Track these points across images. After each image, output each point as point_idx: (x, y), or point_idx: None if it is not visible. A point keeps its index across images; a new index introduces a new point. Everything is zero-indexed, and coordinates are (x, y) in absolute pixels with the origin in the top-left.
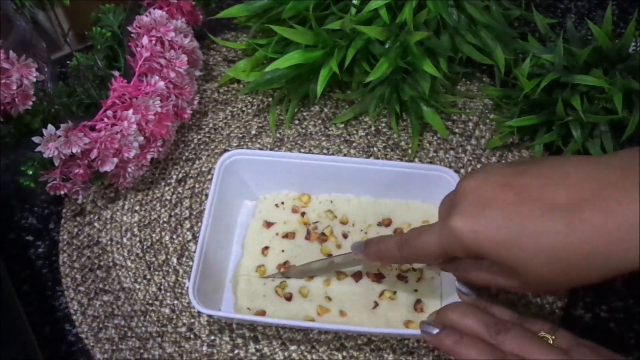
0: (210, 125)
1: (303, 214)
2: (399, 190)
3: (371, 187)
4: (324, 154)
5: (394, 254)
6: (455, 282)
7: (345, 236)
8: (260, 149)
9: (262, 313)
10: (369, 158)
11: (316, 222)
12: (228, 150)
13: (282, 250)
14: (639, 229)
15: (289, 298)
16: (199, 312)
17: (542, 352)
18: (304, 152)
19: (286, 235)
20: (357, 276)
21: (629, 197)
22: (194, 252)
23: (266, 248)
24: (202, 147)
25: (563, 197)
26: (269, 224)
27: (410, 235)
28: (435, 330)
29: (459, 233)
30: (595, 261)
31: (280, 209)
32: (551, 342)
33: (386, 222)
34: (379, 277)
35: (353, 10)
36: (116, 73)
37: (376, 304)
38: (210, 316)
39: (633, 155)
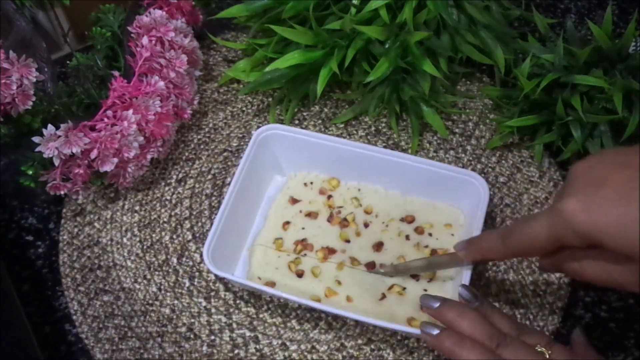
0: (210, 125)
1: (329, 196)
2: (427, 190)
3: (400, 182)
4: None
5: (497, 246)
6: (459, 288)
7: (366, 225)
8: None
9: (272, 284)
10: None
11: (340, 207)
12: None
13: (303, 228)
14: None
15: (300, 275)
16: (198, 312)
17: None
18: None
19: (309, 214)
20: (370, 266)
21: None
22: (194, 251)
23: (287, 223)
24: (202, 147)
25: None
26: (294, 201)
27: (515, 224)
28: (436, 331)
29: (571, 215)
30: None
31: (308, 188)
32: (547, 356)
33: (409, 219)
34: None
35: (353, 10)
36: (116, 73)
37: (384, 296)
38: (221, 278)
39: None
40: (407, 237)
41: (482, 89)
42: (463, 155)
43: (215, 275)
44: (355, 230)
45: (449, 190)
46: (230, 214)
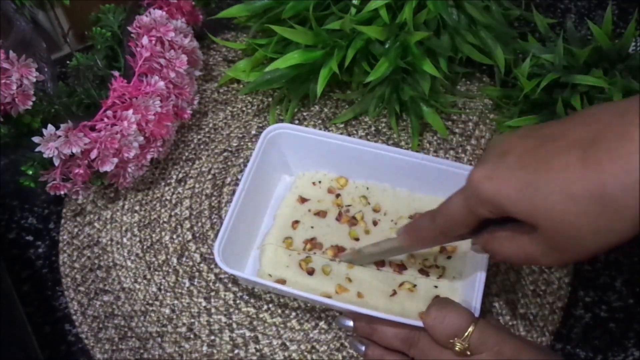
0: (210, 125)
1: (338, 195)
2: (434, 187)
3: (408, 180)
4: None
5: (429, 226)
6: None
7: (375, 223)
8: None
9: (282, 282)
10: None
11: (349, 206)
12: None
13: (312, 227)
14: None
15: (311, 273)
16: (198, 312)
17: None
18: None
19: (318, 213)
20: (380, 264)
21: (628, 145)
22: (194, 251)
23: (297, 222)
24: (202, 147)
25: (584, 133)
26: (303, 200)
27: (441, 203)
28: (362, 347)
29: (476, 182)
30: (611, 203)
31: (316, 188)
32: (459, 346)
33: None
34: (401, 268)
35: (353, 10)
36: (116, 73)
37: (394, 292)
38: (232, 276)
39: None
40: None
41: (482, 89)
42: (463, 155)
43: (226, 273)
44: (364, 228)
45: (456, 188)
46: (240, 213)
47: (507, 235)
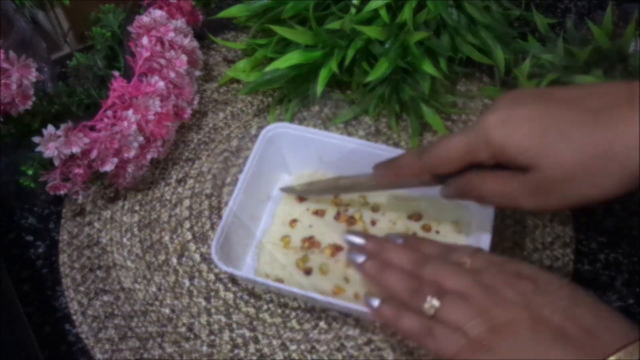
0: (210, 125)
1: (336, 194)
2: (433, 188)
3: None
4: None
5: (413, 161)
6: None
7: (373, 223)
8: None
9: (280, 281)
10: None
11: (348, 205)
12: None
13: (310, 226)
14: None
15: (308, 272)
16: (198, 312)
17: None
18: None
19: (316, 212)
20: None
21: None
22: (194, 251)
23: (295, 221)
24: (202, 147)
25: (594, 103)
26: (301, 199)
27: (434, 143)
28: (377, 301)
29: (490, 126)
30: (614, 158)
31: None
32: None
33: (416, 217)
34: None
35: (353, 10)
36: (116, 73)
37: None
38: (230, 274)
39: None
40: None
41: (482, 89)
42: None
43: (225, 273)
44: (363, 227)
45: None
46: (238, 211)
47: (494, 175)
